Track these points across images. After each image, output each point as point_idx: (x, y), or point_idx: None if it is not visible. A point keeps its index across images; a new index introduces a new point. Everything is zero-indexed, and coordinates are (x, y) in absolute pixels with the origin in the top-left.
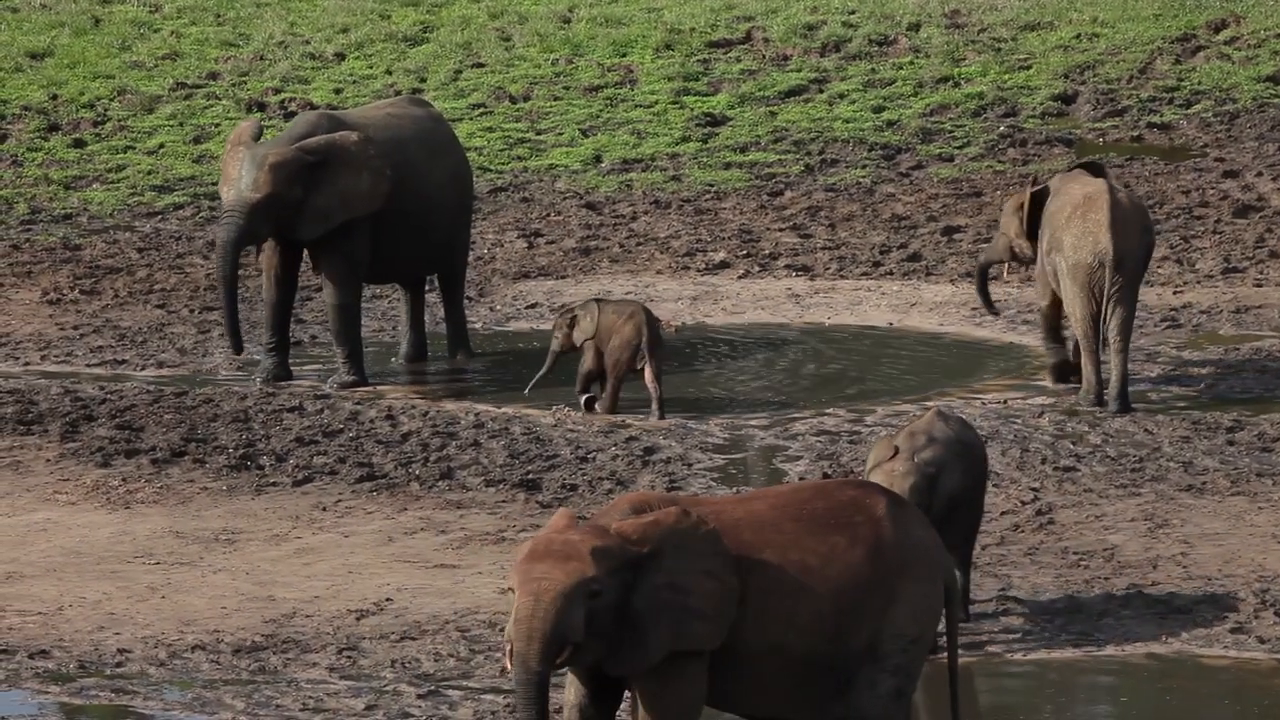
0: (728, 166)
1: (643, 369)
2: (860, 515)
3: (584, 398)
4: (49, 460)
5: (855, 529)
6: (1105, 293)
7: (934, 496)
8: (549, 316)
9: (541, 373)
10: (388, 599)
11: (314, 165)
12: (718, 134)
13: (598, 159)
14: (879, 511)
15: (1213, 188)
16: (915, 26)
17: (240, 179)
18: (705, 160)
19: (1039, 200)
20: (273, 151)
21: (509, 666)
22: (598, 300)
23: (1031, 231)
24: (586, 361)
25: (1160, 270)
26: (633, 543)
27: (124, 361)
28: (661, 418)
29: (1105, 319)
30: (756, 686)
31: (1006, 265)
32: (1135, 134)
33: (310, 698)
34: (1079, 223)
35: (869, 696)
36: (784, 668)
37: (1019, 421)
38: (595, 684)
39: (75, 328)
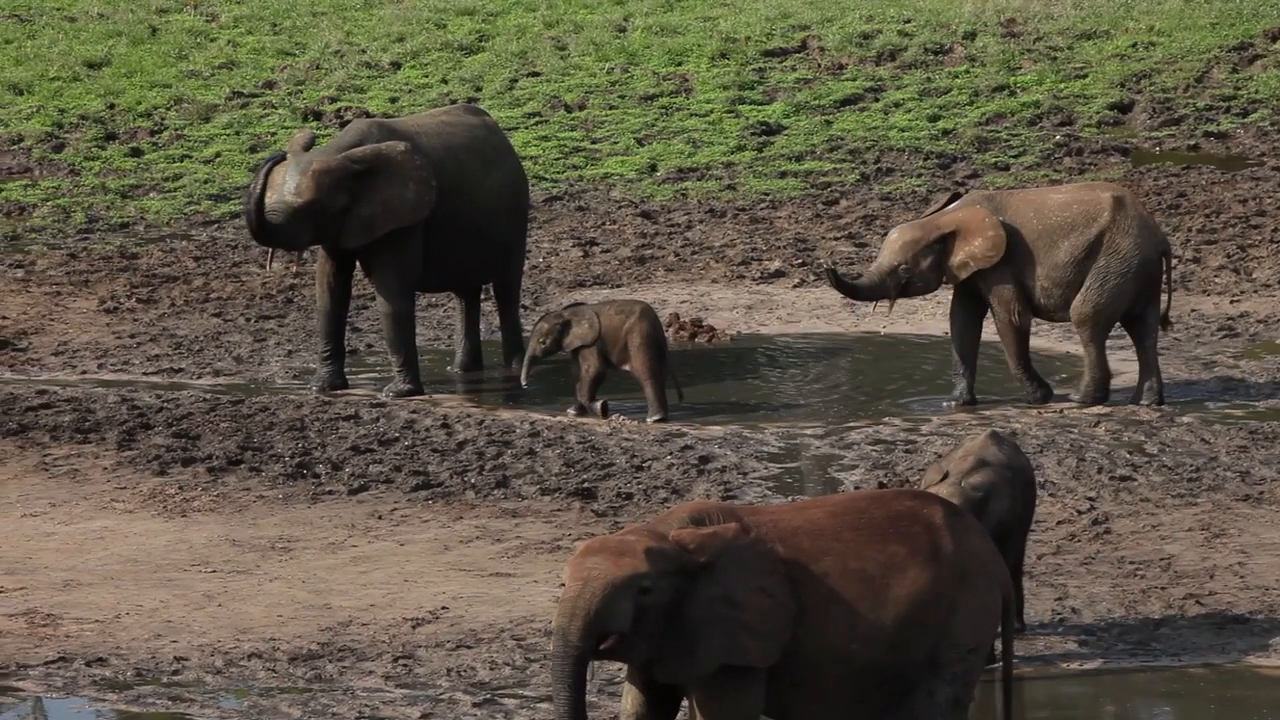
0: (783, 175)
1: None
2: (918, 525)
3: (599, 404)
4: (106, 468)
5: (913, 538)
6: (1158, 285)
7: (982, 521)
8: None
9: (523, 378)
10: (443, 607)
11: (360, 174)
12: (773, 143)
13: (653, 168)
14: (937, 521)
15: (1270, 196)
16: (971, 35)
17: (284, 184)
18: (760, 169)
19: (1009, 227)
20: (318, 159)
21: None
22: (585, 304)
23: (1010, 254)
24: (591, 367)
25: (1217, 279)
26: (690, 551)
27: (181, 370)
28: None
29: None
30: (815, 697)
31: (892, 303)
32: (1192, 143)
33: (366, 706)
34: (1126, 221)
35: (927, 705)
36: (844, 678)
37: (1075, 431)
38: (651, 692)
39: (132, 336)
